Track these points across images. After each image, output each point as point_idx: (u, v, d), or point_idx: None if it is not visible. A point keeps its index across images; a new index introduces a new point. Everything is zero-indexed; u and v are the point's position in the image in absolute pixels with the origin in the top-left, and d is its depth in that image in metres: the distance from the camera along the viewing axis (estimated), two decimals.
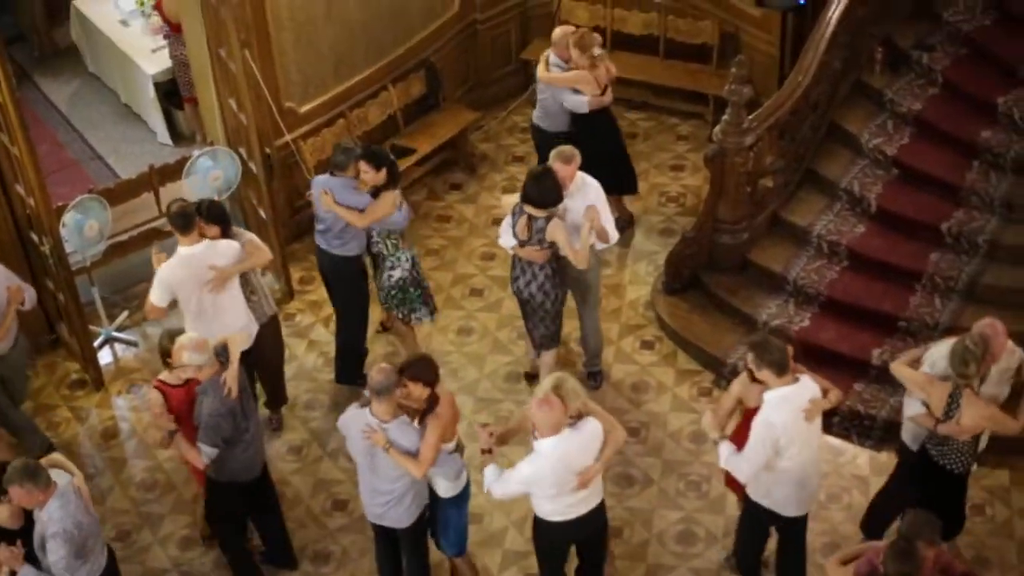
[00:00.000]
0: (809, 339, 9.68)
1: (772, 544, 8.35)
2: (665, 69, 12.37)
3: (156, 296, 8.66)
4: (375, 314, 10.20)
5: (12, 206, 9.86)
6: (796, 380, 7.47)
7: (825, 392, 7.64)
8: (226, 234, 8.79)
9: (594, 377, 9.88)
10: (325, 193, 9.14)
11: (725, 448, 7.69)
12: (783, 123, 10.07)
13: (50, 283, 10.05)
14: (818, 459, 7.91)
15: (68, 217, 9.89)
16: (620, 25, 12.38)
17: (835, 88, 10.59)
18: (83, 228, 10.00)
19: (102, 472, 9.58)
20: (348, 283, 9.64)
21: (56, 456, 7.76)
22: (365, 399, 7.59)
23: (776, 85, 10.98)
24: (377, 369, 7.48)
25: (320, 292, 10.26)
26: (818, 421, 7.64)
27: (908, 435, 8.15)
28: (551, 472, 7.33)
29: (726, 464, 7.74)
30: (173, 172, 10.58)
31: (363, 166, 9.11)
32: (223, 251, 8.69)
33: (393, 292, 9.47)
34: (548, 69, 10.37)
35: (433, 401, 7.60)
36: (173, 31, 11.82)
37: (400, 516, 7.82)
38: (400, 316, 9.64)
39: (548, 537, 7.83)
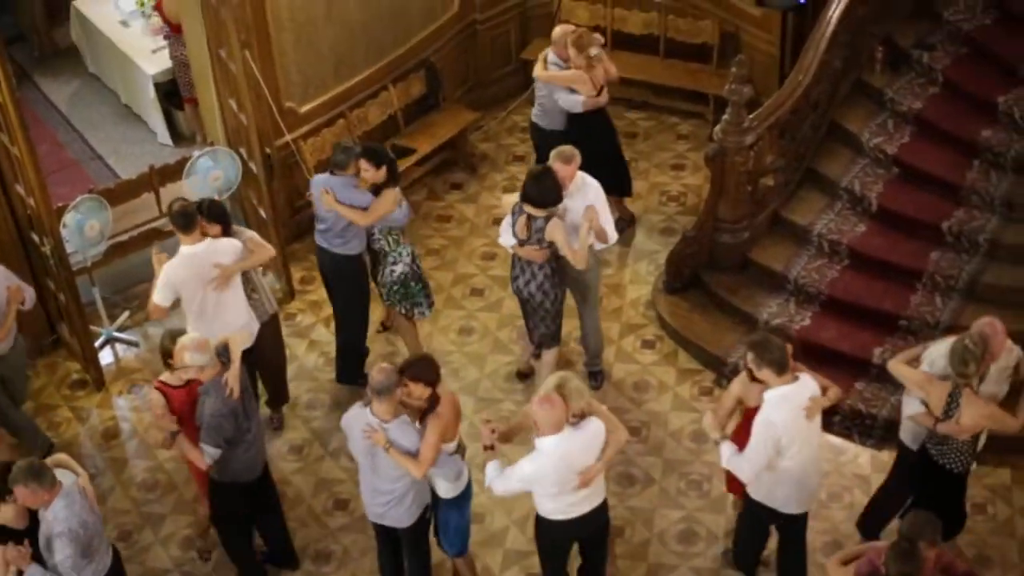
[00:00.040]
0: (810, 338, 9.68)
1: (772, 544, 8.36)
2: (665, 69, 12.37)
3: (159, 296, 8.66)
4: (375, 314, 10.20)
5: (12, 206, 9.86)
6: (796, 379, 7.47)
7: (824, 390, 7.64)
8: (227, 233, 8.80)
9: (595, 377, 9.89)
10: (326, 192, 9.15)
11: (726, 448, 7.69)
12: (783, 122, 10.07)
13: (51, 283, 10.05)
14: (818, 457, 7.92)
15: (69, 217, 9.89)
16: (620, 25, 12.38)
17: (836, 87, 10.59)
18: (84, 228, 10.01)
19: (103, 472, 9.58)
20: (350, 282, 9.65)
21: (61, 456, 7.76)
22: (368, 398, 7.60)
23: (776, 84, 10.98)
24: (378, 369, 7.48)
25: (321, 292, 10.26)
26: (818, 419, 7.65)
27: (907, 435, 8.15)
28: (552, 471, 7.33)
29: (728, 464, 7.74)
30: (173, 172, 10.58)
31: (363, 164, 9.13)
32: (225, 249, 8.70)
33: (396, 288, 9.48)
34: (546, 67, 10.38)
35: (434, 401, 7.60)
36: (173, 31, 11.82)
37: (401, 516, 7.82)
38: (403, 311, 9.65)
39: (550, 535, 7.83)
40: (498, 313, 10.61)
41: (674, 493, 9.19)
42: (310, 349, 10.45)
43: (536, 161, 10.92)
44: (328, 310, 10.30)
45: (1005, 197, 9.83)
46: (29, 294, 9.25)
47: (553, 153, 8.96)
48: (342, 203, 9.13)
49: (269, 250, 9.06)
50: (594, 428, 7.43)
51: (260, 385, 9.52)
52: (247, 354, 8.31)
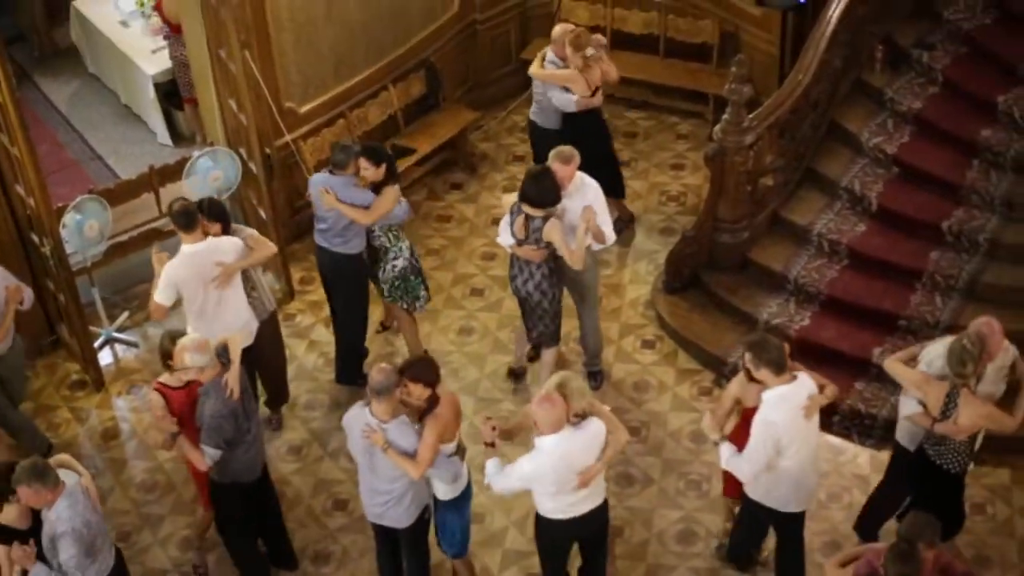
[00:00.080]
0: (810, 338, 9.67)
1: (770, 544, 8.35)
2: (665, 68, 12.37)
3: (161, 295, 8.66)
4: (375, 314, 10.20)
5: (12, 207, 9.86)
6: (794, 378, 7.47)
7: (821, 388, 7.64)
8: (227, 231, 8.81)
9: (594, 377, 9.88)
10: (327, 192, 9.15)
11: (726, 449, 7.70)
12: (783, 122, 10.06)
13: (50, 284, 10.05)
14: (816, 457, 7.91)
15: (68, 218, 9.89)
16: (620, 24, 12.38)
17: (835, 87, 10.59)
18: (83, 229, 10.00)
19: (102, 473, 9.57)
20: (350, 281, 9.65)
21: (64, 456, 7.76)
22: (369, 398, 7.60)
23: (776, 84, 10.98)
24: (377, 369, 7.48)
25: (320, 292, 10.25)
26: (816, 418, 7.64)
27: (905, 435, 8.13)
28: (552, 470, 7.33)
29: (727, 465, 7.74)
30: (173, 173, 10.58)
31: (363, 163, 9.15)
32: (227, 248, 8.71)
33: (397, 283, 9.52)
34: (543, 66, 10.38)
35: (433, 401, 7.59)
36: (173, 32, 11.81)
37: (399, 516, 7.82)
38: (404, 306, 9.66)
39: (549, 535, 7.83)
40: (498, 313, 10.60)
41: (673, 493, 9.18)
42: (310, 349, 10.45)
43: (533, 158, 10.92)
44: (328, 310, 10.29)
45: (1005, 197, 9.82)
46: (27, 294, 9.26)
47: (552, 153, 8.96)
48: (343, 202, 9.13)
49: (270, 247, 9.06)
50: (595, 429, 7.43)
51: (259, 385, 9.51)
52: (246, 353, 8.31)
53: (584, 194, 9.02)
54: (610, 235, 9.19)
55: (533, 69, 10.45)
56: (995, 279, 9.62)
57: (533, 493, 7.61)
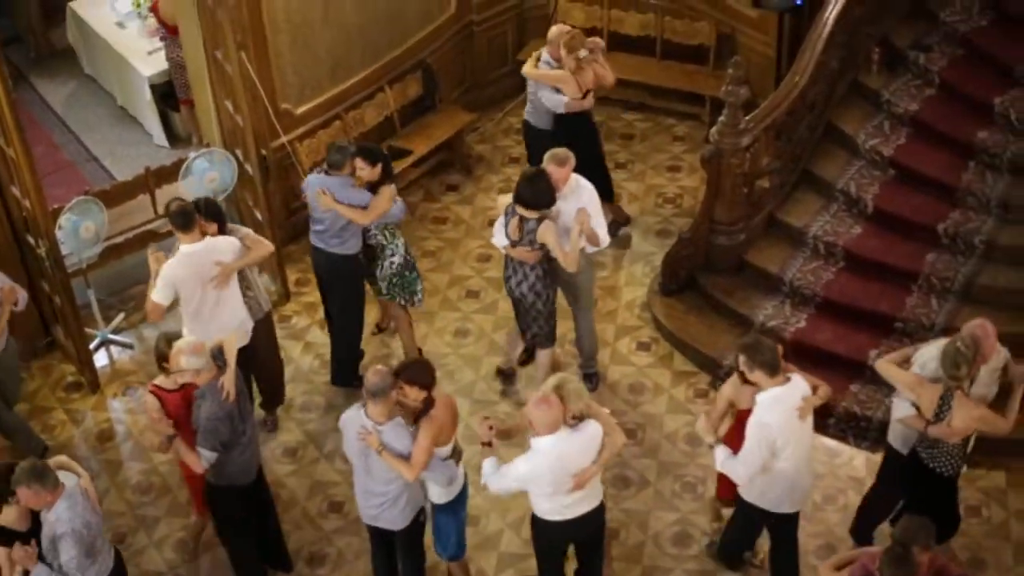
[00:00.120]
0: (805, 340, 9.68)
1: (767, 547, 8.35)
2: (662, 70, 12.37)
3: (159, 295, 8.64)
4: (370, 316, 10.19)
5: (8, 208, 9.84)
6: (788, 380, 7.47)
7: (814, 388, 7.64)
8: (223, 230, 8.81)
9: (590, 379, 9.86)
10: (324, 193, 9.15)
11: (721, 452, 7.70)
12: (780, 124, 10.06)
13: (46, 285, 10.04)
14: (810, 458, 7.91)
15: (64, 219, 9.88)
16: (617, 26, 12.37)
17: (832, 88, 10.59)
18: (79, 230, 9.99)
19: (98, 475, 9.55)
20: (347, 282, 9.64)
21: (62, 458, 7.76)
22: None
23: (773, 86, 10.96)
24: (373, 370, 7.48)
25: (316, 294, 10.24)
26: (810, 419, 7.65)
27: (897, 438, 8.12)
28: (548, 471, 7.33)
29: (722, 468, 7.74)
30: (169, 174, 10.56)
31: (359, 163, 9.17)
32: (225, 248, 8.71)
33: (395, 280, 9.55)
34: (537, 66, 10.38)
35: (428, 404, 7.59)
36: (169, 33, 11.80)
37: (395, 518, 7.81)
38: (402, 302, 9.68)
39: (546, 536, 7.83)
40: (493, 315, 10.59)
41: (669, 495, 9.18)
42: (305, 351, 10.44)
43: (527, 158, 10.93)
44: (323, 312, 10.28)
45: (1001, 198, 9.83)
46: (22, 296, 9.25)
47: (548, 155, 8.96)
48: (341, 203, 9.13)
49: (267, 246, 9.06)
50: (592, 431, 7.42)
51: (255, 387, 9.50)
52: (242, 353, 8.30)
53: (579, 196, 9.02)
54: (604, 238, 9.19)
55: (526, 69, 10.46)
56: (991, 281, 9.62)
57: (530, 494, 7.60)
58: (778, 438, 7.46)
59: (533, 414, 7.27)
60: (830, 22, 10.14)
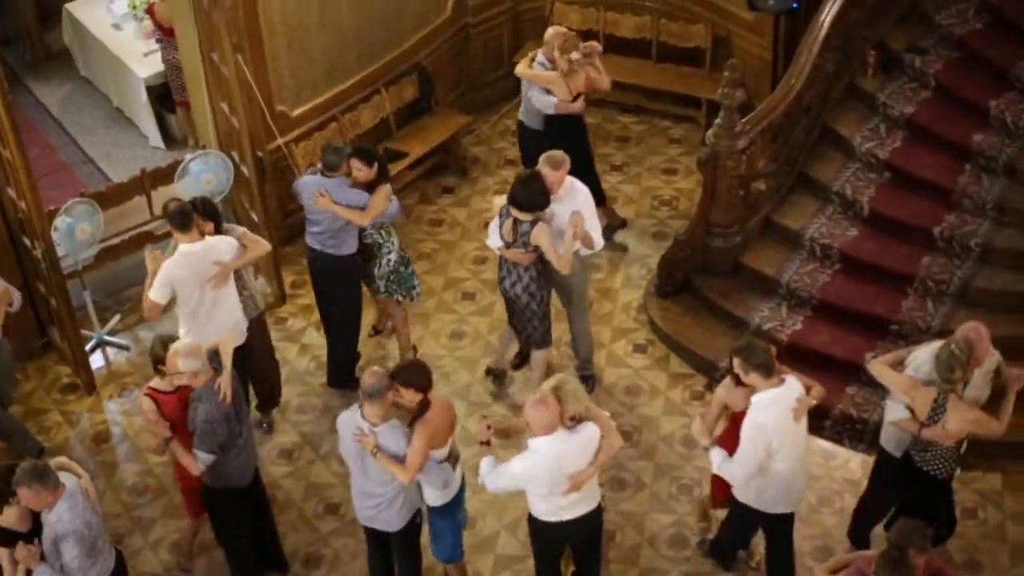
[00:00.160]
0: (802, 343, 9.68)
1: (763, 549, 8.35)
2: (658, 72, 12.37)
3: (156, 293, 8.62)
4: (367, 318, 10.18)
5: (4, 210, 9.83)
6: (782, 381, 7.48)
7: (808, 389, 7.64)
8: (219, 230, 8.81)
9: (586, 381, 9.82)
10: (322, 194, 9.15)
11: (716, 454, 7.70)
12: (776, 126, 10.06)
13: (42, 287, 10.02)
14: (805, 459, 7.91)
15: (60, 221, 9.88)
16: (613, 28, 12.37)
17: (828, 91, 10.60)
18: (75, 232, 9.99)
19: (94, 476, 9.50)
20: (344, 283, 9.64)
21: (62, 459, 7.74)
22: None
23: (769, 88, 10.98)
24: (369, 372, 7.47)
25: (312, 296, 10.23)
26: (804, 420, 7.65)
27: (890, 441, 8.11)
28: (545, 471, 7.32)
29: (718, 470, 7.74)
30: (165, 176, 10.56)
31: (355, 163, 9.17)
32: (223, 248, 8.70)
33: (392, 276, 9.58)
34: (530, 66, 10.39)
35: (424, 406, 7.58)
36: (165, 35, 11.80)
37: (391, 519, 7.81)
38: (400, 299, 9.70)
39: (543, 536, 7.84)
40: (489, 317, 10.59)
41: (665, 497, 9.18)
42: (301, 353, 10.43)
43: (520, 159, 10.93)
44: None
45: (997, 201, 9.84)
46: (16, 297, 9.24)
47: (543, 157, 8.97)
48: (339, 204, 9.13)
49: (264, 245, 9.06)
50: (589, 433, 7.42)
51: (250, 389, 9.50)
52: (238, 354, 8.29)
53: (574, 199, 9.02)
54: (598, 240, 9.19)
55: (519, 69, 10.47)
56: (987, 284, 9.63)
57: (527, 495, 7.60)
58: (774, 439, 7.46)
59: (530, 415, 7.27)
60: (826, 25, 10.15)
